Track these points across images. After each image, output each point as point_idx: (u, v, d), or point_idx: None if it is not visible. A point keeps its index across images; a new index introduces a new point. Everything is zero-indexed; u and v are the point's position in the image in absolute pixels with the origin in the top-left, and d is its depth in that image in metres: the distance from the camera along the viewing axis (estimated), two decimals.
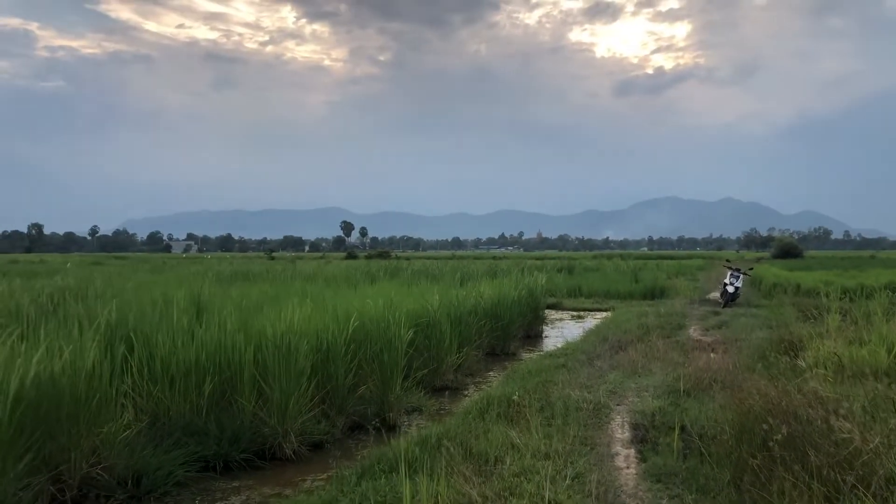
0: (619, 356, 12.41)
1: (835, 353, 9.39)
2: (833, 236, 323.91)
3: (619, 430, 7.51)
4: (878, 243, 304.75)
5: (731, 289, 22.50)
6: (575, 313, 23.08)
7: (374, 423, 8.21)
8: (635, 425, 7.47)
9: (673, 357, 12.00)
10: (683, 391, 8.87)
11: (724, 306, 22.09)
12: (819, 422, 5.63)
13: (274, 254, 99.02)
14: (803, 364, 10.15)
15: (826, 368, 9.38)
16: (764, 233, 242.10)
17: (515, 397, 8.33)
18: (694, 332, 16.32)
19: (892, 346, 9.80)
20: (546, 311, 23.23)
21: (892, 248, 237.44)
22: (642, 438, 7.02)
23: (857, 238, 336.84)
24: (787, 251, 73.02)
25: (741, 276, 23.19)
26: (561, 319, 21.32)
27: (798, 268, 40.06)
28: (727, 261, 28.02)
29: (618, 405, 8.57)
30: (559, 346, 14.24)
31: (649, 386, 9.51)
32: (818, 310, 19.33)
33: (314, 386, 7.53)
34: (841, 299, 21.06)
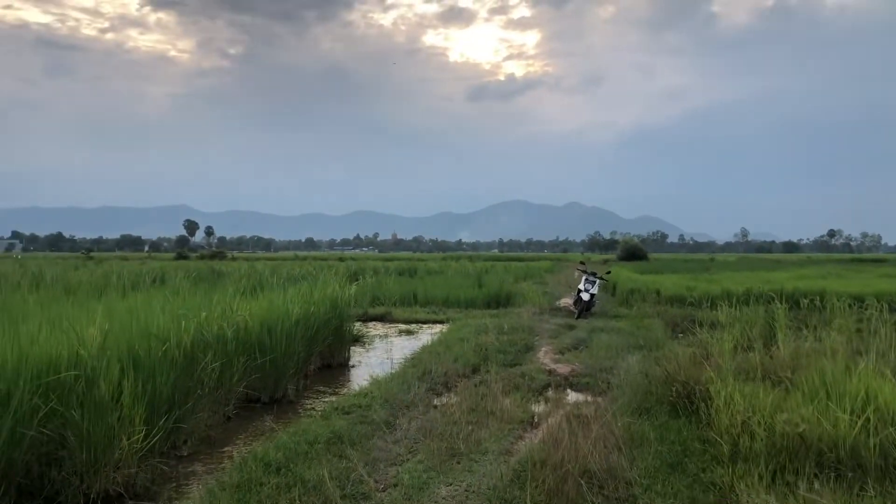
0: (438, 408, 8.20)
1: (796, 423, 5.56)
2: (669, 240, 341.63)
3: None
4: (709, 246, 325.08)
5: (586, 296, 19.08)
6: (405, 326, 18.79)
7: None
8: None
9: (515, 411, 7.89)
10: None
11: (578, 317, 18.64)
12: None
13: (92, 254, 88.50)
14: (716, 435, 6.31)
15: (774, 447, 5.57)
16: (607, 236, 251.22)
17: None
18: (545, 355, 12.47)
19: (855, 400, 6.16)
20: (371, 325, 18.91)
21: (720, 251, 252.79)
22: None
23: (690, 241, 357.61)
24: (633, 253, 73.10)
25: (597, 281, 19.85)
26: (386, 336, 16.91)
27: (648, 271, 38.18)
28: (581, 263, 24.83)
29: None
30: (363, 384, 9.88)
31: (471, 493, 5.27)
32: (689, 322, 16.26)
33: None
34: (711, 308, 18.14)
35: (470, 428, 6.91)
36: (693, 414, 7.29)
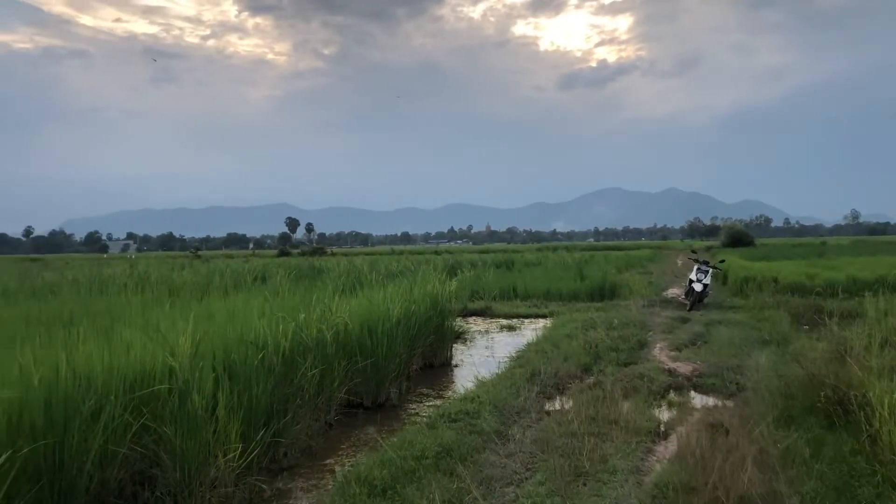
0: (551, 415, 7.52)
1: None
2: (773, 224, 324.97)
3: None
4: (816, 230, 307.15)
5: (698, 286, 17.91)
6: (506, 322, 18.11)
7: None
8: None
9: (638, 419, 7.10)
10: None
11: (690, 308, 17.50)
12: None
13: (200, 252, 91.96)
14: (889, 452, 5.36)
15: None
16: (707, 221, 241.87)
17: None
18: (661, 352, 11.57)
19: None
20: (471, 320, 18.38)
21: (829, 234, 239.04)
22: None
23: (796, 225, 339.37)
24: (738, 239, 69.29)
25: (710, 270, 18.62)
26: (487, 332, 16.31)
27: (758, 257, 36.02)
28: (693, 251, 23.53)
29: None
30: (468, 386, 9.31)
31: None
32: (815, 313, 14.88)
33: None
34: (838, 297, 16.65)
35: (592, 441, 6.19)
36: (849, 425, 6.33)
